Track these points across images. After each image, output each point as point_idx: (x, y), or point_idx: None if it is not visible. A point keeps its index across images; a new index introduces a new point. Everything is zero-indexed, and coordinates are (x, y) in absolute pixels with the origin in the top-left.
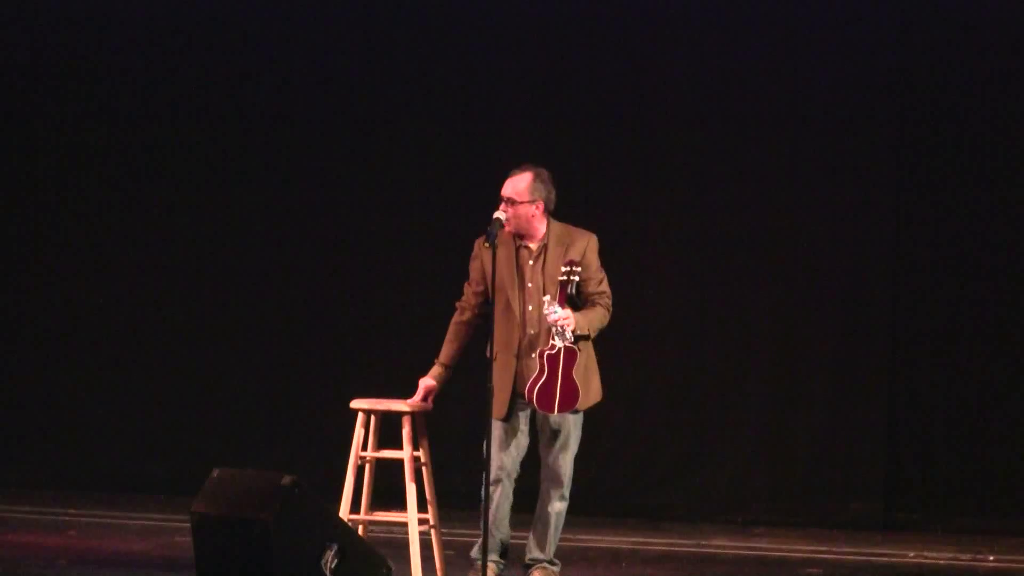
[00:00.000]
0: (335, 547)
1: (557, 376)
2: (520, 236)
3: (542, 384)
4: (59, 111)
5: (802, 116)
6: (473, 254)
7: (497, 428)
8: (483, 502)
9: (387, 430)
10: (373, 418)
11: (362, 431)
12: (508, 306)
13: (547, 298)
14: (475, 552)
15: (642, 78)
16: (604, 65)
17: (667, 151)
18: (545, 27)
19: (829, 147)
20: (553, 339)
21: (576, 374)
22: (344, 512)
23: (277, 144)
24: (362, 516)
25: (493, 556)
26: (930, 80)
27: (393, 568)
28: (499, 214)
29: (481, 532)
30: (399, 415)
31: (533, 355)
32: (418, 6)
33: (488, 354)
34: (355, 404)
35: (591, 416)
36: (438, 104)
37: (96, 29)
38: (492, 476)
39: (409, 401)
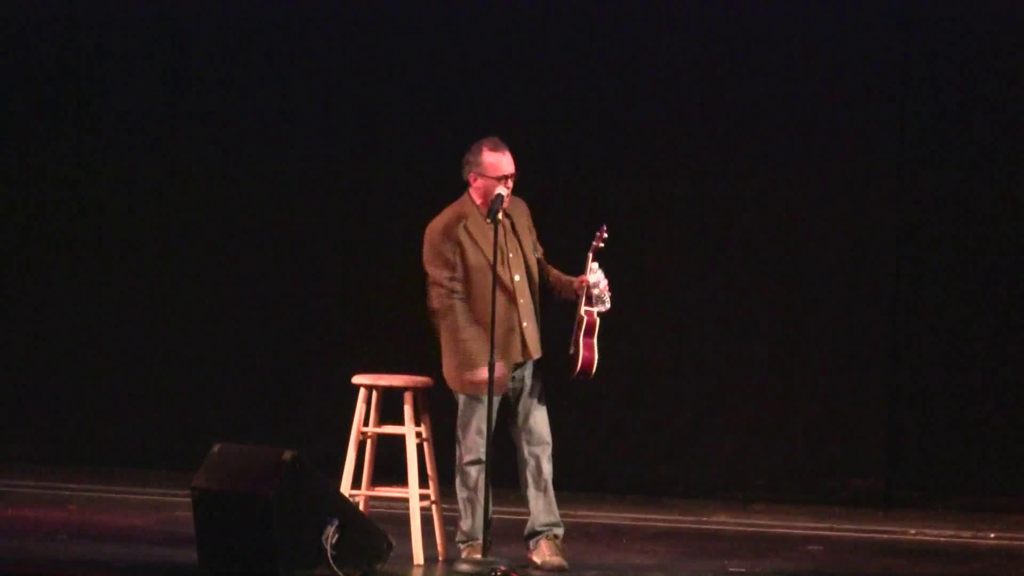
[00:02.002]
0: (336, 522)
1: (596, 341)
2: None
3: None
4: (59, 110)
5: (803, 110)
6: (448, 238)
7: (483, 408)
8: (469, 480)
9: (388, 406)
10: (375, 394)
11: (363, 406)
12: (499, 280)
13: (595, 265)
14: (460, 536)
15: (641, 76)
16: (604, 63)
17: (669, 142)
18: (544, 25)
19: (832, 135)
20: (590, 305)
21: None
22: (345, 488)
23: (278, 127)
24: (363, 492)
25: (481, 537)
26: (932, 76)
27: (394, 543)
28: (500, 190)
29: (462, 514)
30: (401, 391)
31: (525, 324)
32: (417, 5)
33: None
34: (357, 380)
35: (593, 392)
36: (436, 98)
37: (96, 28)
38: (477, 456)
39: None
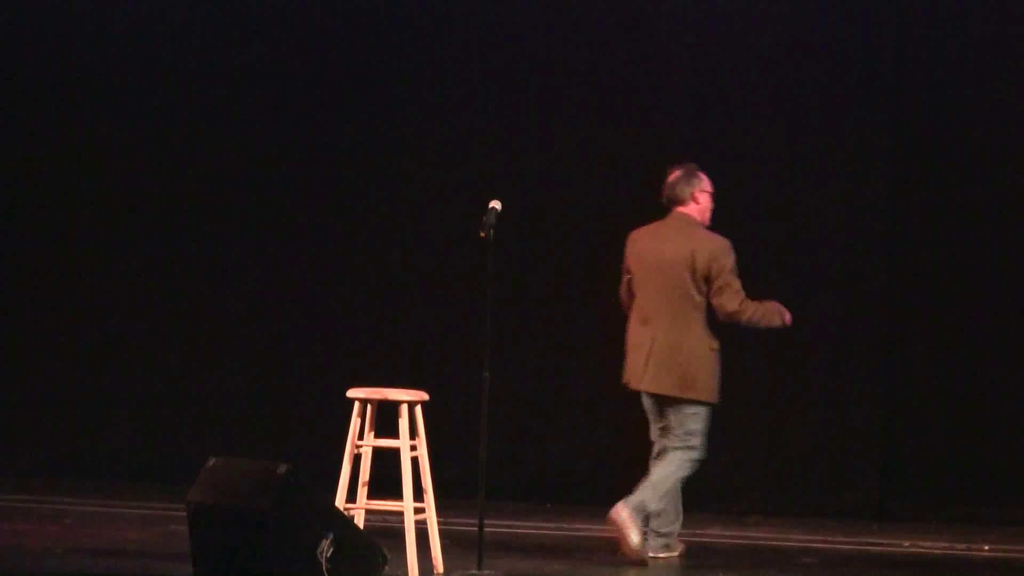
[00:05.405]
0: (331, 536)
1: None
2: None
3: None
4: (59, 111)
5: (798, 112)
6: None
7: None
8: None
9: (383, 419)
10: (370, 407)
11: (358, 420)
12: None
13: None
14: (665, 531)
15: (639, 76)
16: (599, 65)
17: (665, 149)
18: (544, 25)
19: (826, 139)
20: None
21: None
22: (340, 501)
23: (276, 138)
24: (358, 505)
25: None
26: (927, 76)
27: (389, 557)
28: (497, 204)
29: (674, 515)
30: (396, 404)
31: None
32: (418, 5)
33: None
34: (352, 393)
35: (587, 405)
36: (435, 101)
37: (96, 28)
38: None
39: None
